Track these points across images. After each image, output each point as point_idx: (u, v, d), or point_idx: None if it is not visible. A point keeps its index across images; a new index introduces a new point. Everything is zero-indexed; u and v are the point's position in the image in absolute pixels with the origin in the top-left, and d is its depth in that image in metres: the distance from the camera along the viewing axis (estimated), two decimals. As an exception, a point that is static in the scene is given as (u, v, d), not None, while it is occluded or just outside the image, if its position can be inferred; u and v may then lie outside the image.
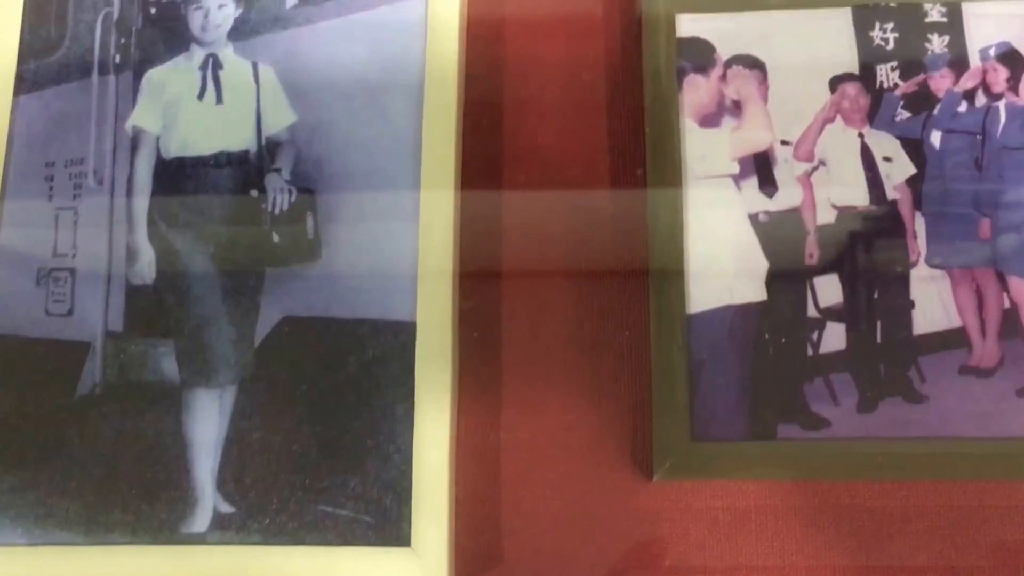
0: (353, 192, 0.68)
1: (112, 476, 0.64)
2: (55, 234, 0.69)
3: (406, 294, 0.65)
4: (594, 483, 0.63)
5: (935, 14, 0.69)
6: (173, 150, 0.70)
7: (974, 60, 0.68)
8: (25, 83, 0.72)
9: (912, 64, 0.68)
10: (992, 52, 0.68)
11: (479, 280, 0.68)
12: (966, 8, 0.68)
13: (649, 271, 0.66)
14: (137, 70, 0.72)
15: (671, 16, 0.70)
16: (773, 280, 0.65)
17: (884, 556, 0.61)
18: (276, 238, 0.68)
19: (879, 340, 0.64)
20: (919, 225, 0.66)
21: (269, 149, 0.69)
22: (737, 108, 0.68)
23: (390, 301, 0.65)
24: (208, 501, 0.63)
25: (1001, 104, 0.67)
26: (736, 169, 0.67)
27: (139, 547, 0.63)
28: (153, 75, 0.71)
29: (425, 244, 0.65)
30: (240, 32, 0.71)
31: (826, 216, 0.66)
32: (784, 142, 0.67)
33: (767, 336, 0.64)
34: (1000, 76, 0.68)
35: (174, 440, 0.64)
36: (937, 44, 0.68)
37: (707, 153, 0.67)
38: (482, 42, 0.72)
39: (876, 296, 0.65)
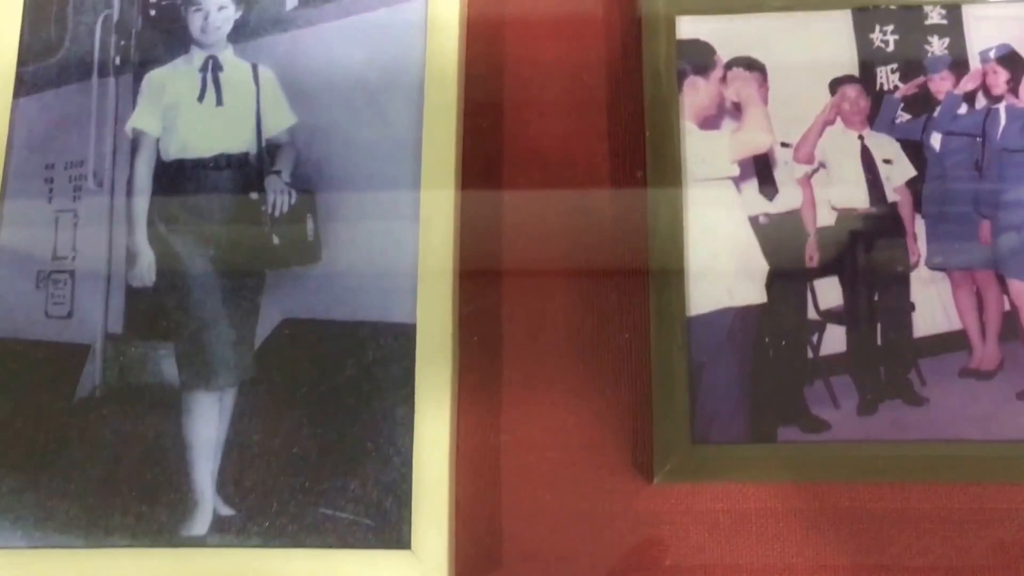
0: (353, 194, 0.68)
1: (112, 479, 0.64)
2: (55, 236, 0.69)
3: (406, 296, 0.65)
4: (594, 485, 0.63)
5: (935, 16, 0.69)
6: (173, 152, 0.70)
7: (974, 62, 0.68)
8: (25, 85, 0.72)
9: (912, 66, 0.68)
10: (992, 54, 0.68)
11: (479, 282, 0.68)
12: (966, 10, 0.68)
13: (649, 273, 0.65)
14: (137, 72, 0.71)
15: (671, 18, 0.70)
16: (773, 282, 0.65)
17: (884, 558, 0.61)
18: (276, 240, 0.67)
19: (879, 342, 0.64)
20: (919, 227, 0.66)
21: (269, 151, 0.69)
22: (737, 110, 0.68)
23: (390, 303, 0.65)
24: (208, 504, 0.63)
25: (1001, 106, 0.67)
26: (736, 171, 0.67)
27: (139, 550, 0.62)
28: (153, 77, 0.71)
29: (425, 245, 0.65)
30: (240, 34, 0.71)
31: (826, 218, 0.66)
32: (784, 144, 0.67)
33: (767, 338, 0.64)
34: (1000, 78, 0.68)
35: (174, 443, 0.64)
36: (937, 46, 0.68)
37: (707, 155, 0.67)
38: (482, 43, 0.72)
39: (876, 298, 0.65)
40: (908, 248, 0.65)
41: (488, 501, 0.64)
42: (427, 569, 0.60)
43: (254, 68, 0.70)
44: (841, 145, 0.67)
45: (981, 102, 0.67)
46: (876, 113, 0.67)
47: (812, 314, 0.65)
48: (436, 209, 0.66)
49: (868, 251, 0.66)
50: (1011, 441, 0.61)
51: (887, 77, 0.68)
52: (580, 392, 0.65)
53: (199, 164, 0.69)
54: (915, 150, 0.67)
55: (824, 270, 0.65)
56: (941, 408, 0.62)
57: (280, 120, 0.69)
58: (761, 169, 0.67)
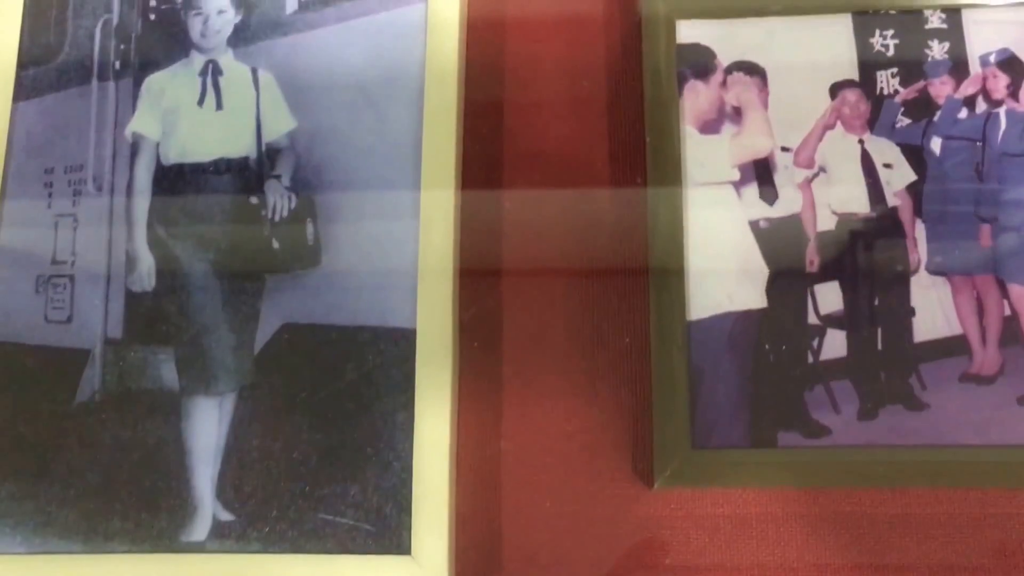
0: (353, 197, 0.67)
1: (111, 484, 0.64)
2: (54, 240, 0.69)
3: (406, 301, 0.65)
4: (594, 491, 0.63)
5: (935, 20, 0.69)
6: (173, 156, 0.70)
7: (974, 66, 0.68)
8: (24, 89, 0.72)
9: (912, 70, 0.68)
10: (992, 58, 0.68)
11: (479, 286, 0.67)
12: (966, 15, 0.68)
13: (649, 277, 0.65)
14: (137, 76, 0.71)
15: (671, 21, 0.70)
16: (773, 287, 0.65)
17: (885, 563, 0.61)
18: (276, 244, 0.67)
19: (880, 347, 0.64)
20: (919, 232, 0.66)
21: (269, 155, 0.69)
22: (737, 114, 0.68)
23: (390, 308, 0.65)
24: (207, 509, 0.63)
25: (1001, 111, 0.67)
26: (736, 175, 0.67)
27: (138, 555, 0.62)
28: (153, 81, 0.71)
29: (425, 247, 0.65)
30: (240, 38, 0.71)
31: (826, 223, 0.66)
32: (784, 148, 0.67)
33: (767, 343, 0.64)
34: (1000, 83, 0.68)
35: (173, 448, 0.64)
36: (937, 51, 0.68)
37: (707, 159, 0.67)
38: (483, 45, 0.72)
39: (876, 303, 0.65)
40: (908, 252, 0.65)
41: (488, 506, 0.64)
42: (427, 574, 0.60)
43: (254, 72, 0.70)
44: (841, 149, 0.67)
45: (981, 106, 0.67)
46: (876, 117, 0.67)
47: (812, 319, 0.65)
48: (436, 211, 0.66)
49: (868, 255, 0.66)
50: (1011, 446, 0.61)
51: (887, 81, 0.68)
52: (580, 397, 0.65)
53: (199, 168, 0.69)
54: (915, 154, 0.67)
55: (824, 274, 0.65)
56: (941, 413, 0.62)
57: (280, 124, 0.69)
58: (761, 173, 0.67)
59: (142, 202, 0.69)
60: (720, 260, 0.66)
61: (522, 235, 0.69)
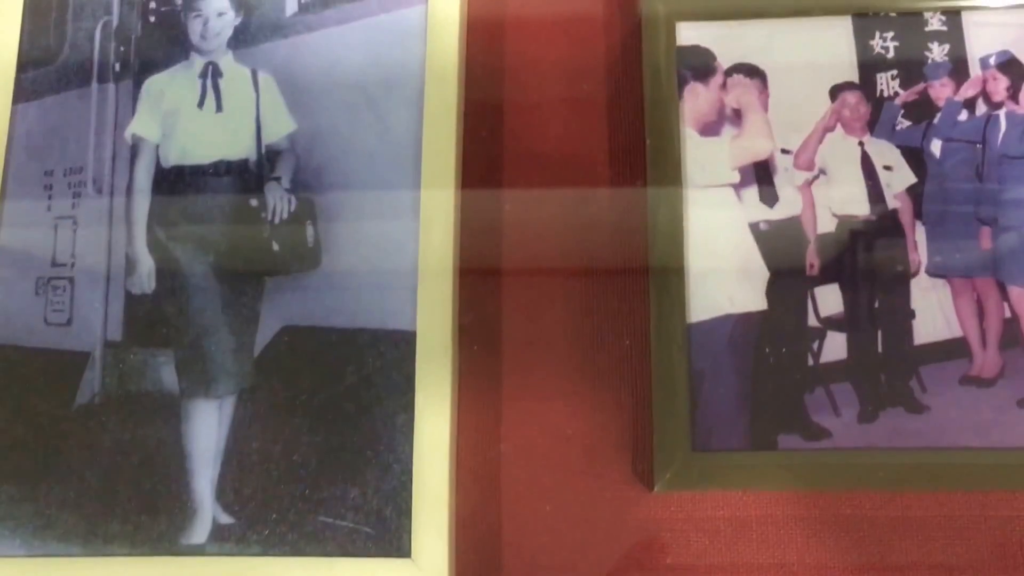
0: (353, 199, 0.67)
1: (111, 487, 0.64)
2: (54, 243, 0.69)
3: (406, 303, 0.65)
4: (595, 494, 0.63)
5: (935, 23, 0.69)
6: (172, 158, 0.70)
7: (974, 69, 0.68)
8: (24, 91, 0.72)
9: (912, 72, 0.68)
10: (992, 61, 0.68)
11: (479, 288, 0.67)
12: (966, 17, 0.68)
13: (650, 279, 0.65)
14: (137, 78, 0.71)
15: (671, 23, 0.70)
16: (773, 289, 0.65)
17: (885, 566, 0.61)
18: (276, 246, 0.67)
19: (880, 350, 0.64)
20: (919, 234, 0.66)
21: (269, 157, 0.69)
22: (737, 117, 0.68)
23: (390, 310, 0.65)
24: (207, 512, 0.63)
25: (1001, 113, 0.67)
26: (736, 178, 0.67)
27: (138, 558, 0.62)
28: (152, 83, 0.71)
29: (425, 252, 0.65)
30: (240, 40, 0.71)
31: (827, 225, 0.66)
32: (784, 151, 0.67)
33: (767, 345, 0.64)
34: (1000, 85, 0.67)
35: (173, 450, 0.64)
36: (937, 53, 0.68)
37: (707, 161, 0.67)
38: (483, 46, 0.72)
39: (877, 305, 0.65)
40: (908, 255, 0.65)
41: (488, 509, 0.64)
42: (427, 577, 0.60)
43: (254, 74, 0.70)
44: (841, 152, 0.67)
45: (981, 108, 0.67)
46: (876, 119, 0.67)
47: (812, 321, 0.65)
48: (436, 213, 0.66)
49: (869, 258, 0.66)
50: (1012, 449, 0.61)
51: (887, 83, 0.68)
52: (580, 399, 0.65)
53: (199, 170, 0.69)
54: (915, 157, 0.67)
55: (824, 277, 0.65)
56: (942, 416, 0.62)
57: (280, 126, 0.69)
58: (761, 175, 0.67)
59: (142, 204, 0.69)
60: (720, 262, 0.66)
61: (522, 237, 0.69)
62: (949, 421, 0.62)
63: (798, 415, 0.63)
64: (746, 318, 0.65)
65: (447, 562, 0.60)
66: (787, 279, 0.65)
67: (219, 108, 0.70)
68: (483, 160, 0.70)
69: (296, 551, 0.62)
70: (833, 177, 0.67)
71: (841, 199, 0.67)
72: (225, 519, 0.63)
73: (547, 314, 0.67)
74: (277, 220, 0.68)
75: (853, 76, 0.68)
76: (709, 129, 0.68)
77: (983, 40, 0.68)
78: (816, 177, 0.67)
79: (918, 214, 0.66)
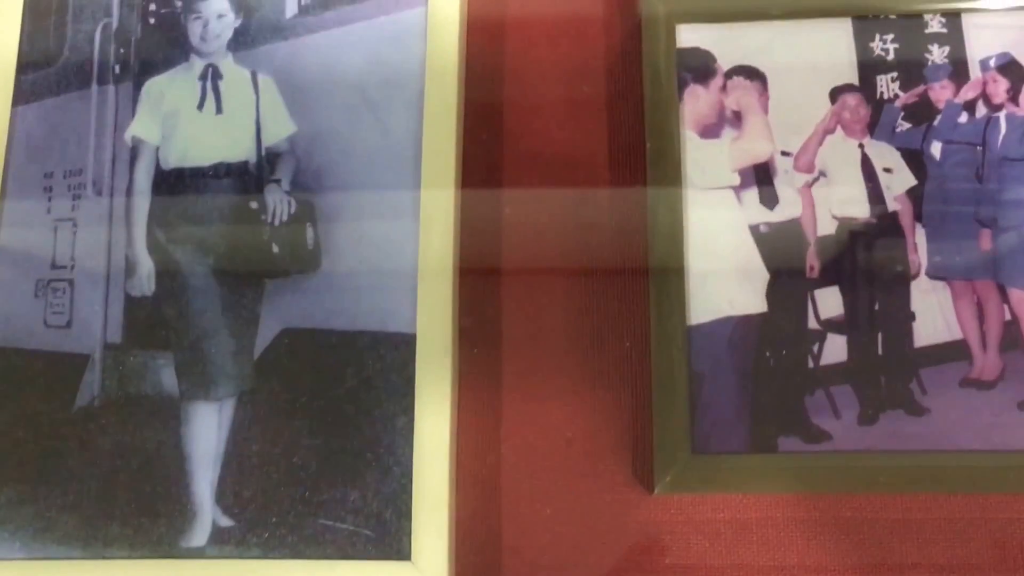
0: (353, 201, 0.67)
1: (111, 489, 0.64)
2: (54, 245, 0.69)
3: (406, 305, 0.65)
4: (595, 496, 0.63)
5: (935, 25, 0.69)
6: (172, 160, 0.70)
7: (974, 71, 0.68)
8: (24, 93, 0.72)
9: (912, 75, 0.68)
10: (992, 63, 0.68)
11: (479, 291, 0.67)
12: (966, 19, 0.68)
13: (650, 281, 0.65)
14: (136, 80, 0.71)
15: (671, 25, 0.70)
16: (774, 291, 0.65)
17: (885, 568, 0.61)
18: (276, 249, 0.67)
19: (880, 352, 0.64)
20: (920, 236, 0.66)
21: (269, 159, 0.69)
22: (737, 119, 0.68)
23: (390, 312, 0.65)
24: (207, 515, 0.63)
25: (1001, 115, 0.67)
26: (736, 180, 0.67)
27: (138, 561, 0.62)
28: (152, 85, 0.71)
29: (425, 254, 0.65)
30: (239, 42, 0.71)
31: (827, 227, 0.66)
32: (785, 153, 0.67)
33: (768, 348, 0.64)
34: (1000, 87, 0.67)
35: (173, 453, 0.64)
36: (937, 55, 0.68)
37: (707, 164, 0.67)
38: (483, 49, 0.72)
39: (877, 308, 0.65)
40: (908, 257, 0.65)
41: (488, 511, 0.64)
42: (427, 580, 0.60)
43: (254, 76, 0.70)
44: (841, 154, 0.67)
45: (981, 111, 0.67)
46: (876, 122, 0.67)
47: (813, 323, 0.65)
48: (436, 215, 0.66)
49: (869, 260, 0.66)
50: (1012, 451, 0.61)
51: (887, 86, 0.68)
52: (580, 401, 0.65)
53: (198, 172, 0.69)
54: (915, 159, 0.67)
55: (825, 279, 0.65)
56: (942, 418, 0.62)
57: (280, 128, 0.69)
58: (761, 178, 0.67)
59: (142, 206, 0.69)
60: (720, 264, 0.66)
61: (522, 240, 0.69)
62: (949, 423, 0.62)
63: (798, 417, 0.63)
64: (746, 320, 0.65)
65: (447, 564, 0.60)
66: (787, 281, 0.65)
67: (219, 110, 0.70)
68: (483, 161, 0.70)
69: (296, 554, 0.62)
70: (833, 179, 0.67)
71: (841, 201, 0.67)
72: (225, 522, 0.63)
73: (547, 316, 0.67)
74: (277, 222, 0.68)
75: (853, 78, 0.68)
76: (709, 131, 0.68)
77: (983, 42, 0.68)
78: (816, 179, 0.67)
79: (918, 216, 0.66)
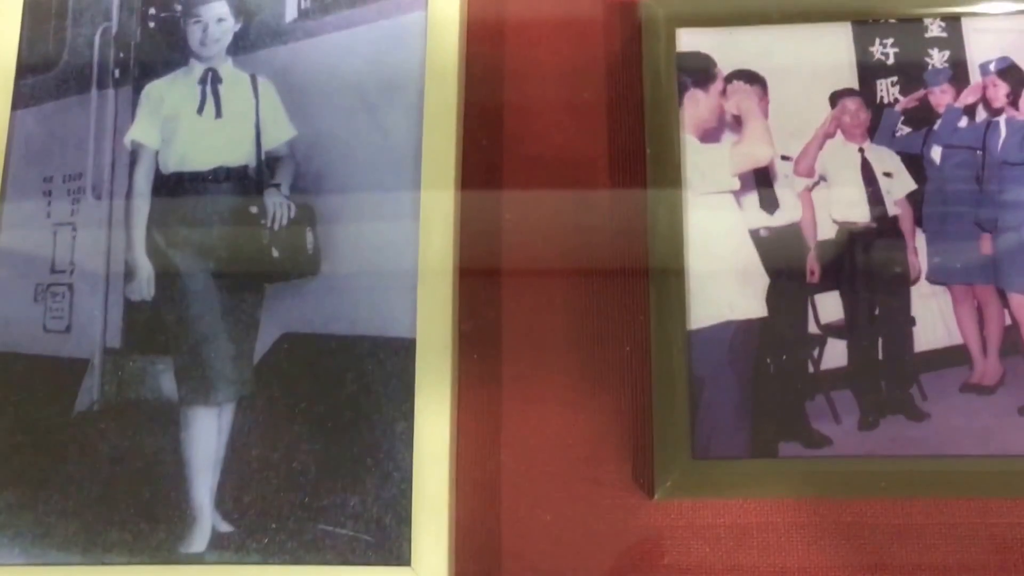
0: (352, 205, 0.67)
1: (110, 494, 0.64)
2: (53, 249, 0.69)
3: (406, 311, 0.64)
4: (595, 502, 0.63)
5: (935, 29, 0.69)
6: (172, 165, 0.69)
7: (974, 75, 0.68)
8: (23, 97, 0.72)
9: (912, 79, 0.68)
10: (992, 67, 0.68)
11: (479, 295, 0.67)
12: (966, 23, 0.68)
13: (650, 286, 0.65)
14: (136, 84, 0.71)
15: (671, 29, 0.70)
16: (774, 296, 0.65)
17: (886, 573, 0.61)
18: (275, 253, 0.67)
19: (880, 357, 0.64)
20: (920, 241, 0.65)
21: (268, 164, 0.69)
22: (737, 123, 0.68)
23: (390, 317, 0.65)
24: (206, 520, 0.63)
25: (1001, 119, 0.67)
26: (737, 184, 0.67)
27: (137, 566, 0.62)
28: (152, 89, 0.71)
29: (425, 259, 0.65)
30: (239, 46, 0.71)
31: (827, 232, 0.66)
32: (785, 157, 0.67)
33: (768, 353, 0.64)
34: (1000, 91, 0.67)
35: (172, 458, 0.64)
36: (937, 59, 0.68)
37: (707, 168, 0.67)
38: (483, 52, 0.72)
39: (877, 313, 0.65)
40: (909, 262, 0.65)
41: (488, 517, 0.64)
42: (427, 585, 0.60)
43: (253, 80, 0.70)
44: (841, 158, 0.67)
45: (981, 115, 0.67)
46: (876, 126, 0.67)
47: (813, 328, 0.65)
48: (436, 219, 0.66)
49: (869, 265, 0.66)
50: (1012, 456, 0.61)
51: (887, 90, 0.68)
52: (580, 407, 0.65)
53: (198, 177, 0.69)
54: (915, 163, 0.67)
55: (825, 284, 0.65)
56: (942, 423, 0.62)
57: (279, 132, 0.69)
58: (762, 182, 0.67)
59: (141, 210, 0.69)
60: (720, 269, 0.66)
61: (522, 244, 0.69)
62: (950, 429, 0.62)
63: (799, 423, 0.63)
64: (746, 325, 0.65)
65: (447, 570, 0.60)
66: (787, 286, 0.65)
67: (219, 114, 0.70)
68: (483, 165, 0.70)
69: (296, 559, 0.61)
70: (833, 183, 0.67)
71: (841, 206, 0.67)
72: (224, 527, 0.63)
73: (547, 320, 0.67)
74: (277, 227, 0.68)
75: (853, 82, 0.68)
76: (709, 135, 0.68)
77: (983, 46, 0.68)
78: (816, 183, 0.67)
79: (918, 221, 0.66)
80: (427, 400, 0.63)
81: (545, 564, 0.63)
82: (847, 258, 0.66)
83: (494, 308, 0.67)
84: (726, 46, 0.69)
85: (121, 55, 0.72)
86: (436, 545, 0.60)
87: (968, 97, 0.68)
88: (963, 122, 0.67)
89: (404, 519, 0.61)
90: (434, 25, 0.69)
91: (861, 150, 0.67)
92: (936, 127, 0.67)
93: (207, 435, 0.64)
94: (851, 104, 0.68)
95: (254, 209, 0.68)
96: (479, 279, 0.68)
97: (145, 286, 0.67)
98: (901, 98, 0.68)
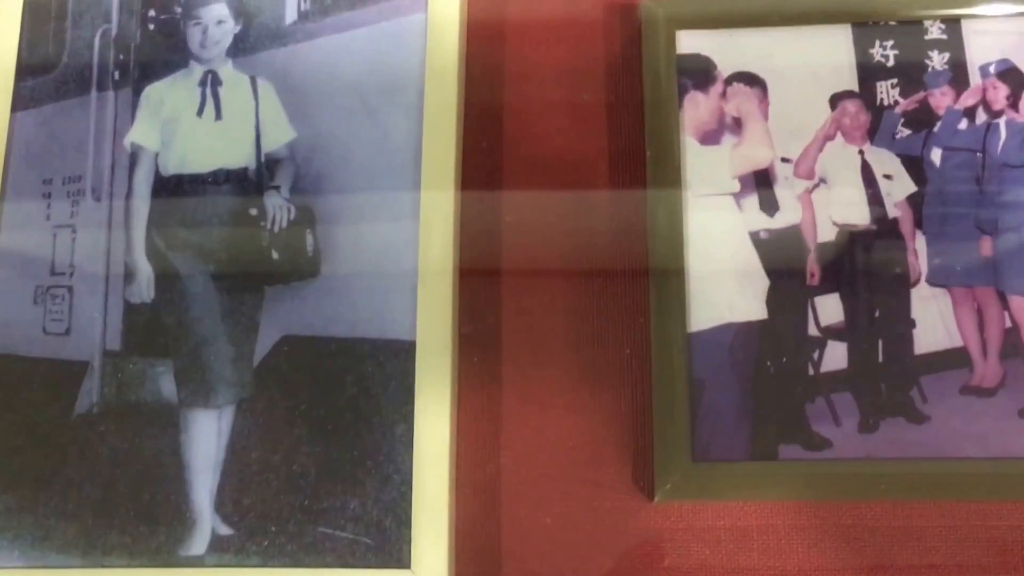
0: (352, 207, 0.67)
1: (110, 497, 0.64)
2: (52, 251, 0.69)
3: (406, 313, 0.64)
4: (595, 504, 0.63)
5: (935, 31, 0.69)
6: (172, 167, 0.69)
7: (974, 77, 0.68)
8: (23, 99, 0.72)
9: (912, 81, 0.68)
10: (992, 69, 0.68)
11: (479, 297, 0.67)
12: (966, 25, 0.68)
13: (650, 288, 0.65)
14: (136, 86, 0.71)
15: (671, 31, 0.70)
16: (774, 298, 0.65)
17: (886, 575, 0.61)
18: (275, 255, 0.67)
19: (880, 359, 0.64)
20: (920, 243, 0.65)
21: (268, 166, 0.69)
22: (737, 125, 0.68)
23: (389, 319, 0.65)
24: (206, 523, 0.63)
25: (1001, 121, 0.67)
26: (736, 186, 0.67)
27: (137, 569, 0.62)
28: (152, 91, 0.71)
29: (425, 261, 0.65)
30: (239, 48, 0.71)
31: (827, 234, 0.66)
32: (785, 159, 0.67)
33: (768, 355, 0.64)
34: (1000, 93, 0.67)
35: (172, 461, 0.64)
36: (937, 61, 0.68)
37: (707, 170, 0.67)
38: (482, 54, 0.72)
39: (877, 315, 0.65)
40: (909, 264, 0.65)
41: (488, 519, 0.63)
42: (427, 588, 0.60)
43: (253, 82, 0.70)
44: (841, 160, 0.67)
45: (981, 117, 0.67)
46: (876, 128, 0.67)
47: (813, 330, 0.65)
48: (436, 222, 0.66)
49: (869, 267, 0.66)
50: (1013, 458, 0.61)
51: (887, 92, 0.68)
52: (580, 409, 0.65)
53: (198, 179, 0.69)
54: (915, 165, 0.67)
55: (825, 286, 0.65)
56: (942, 426, 0.62)
57: (279, 134, 0.69)
58: (762, 184, 0.67)
59: (141, 212, 0.69)
60: (720, 271, 0.65)
61: (522, 246, 0.69)
62: (950, 431, 0.62)
63: (799, 425, 0.63)
64: (746, 327, 0.64)
65: (447, 573, 0.60)
66: (787, 288, 0.65)
67: (218, 116, 0.70)
68: (483, 166, 0.70)
69: (295, 562, 0.61)
70: (833, 186, 0.67)
71: (841, 208, 0.67)
72: (224, 530, 0.63)
73: (547, 322, 0.67)
74: (276, 229, 0.67)
75: (853, 84, 0.68)
76: (709, 138, 0.68)
77: (983, 48, 0.68)
78: (816, 186, 0.67)
79: (918, 223, 0.66)
80: (427, 402, 0.63)
81: (545, 567, 0.63)
82: (847, 260, 0.66)
83: (494, 310, 0.67)
84: (726, 48, 0.69)
85: (121, 57, 0.72)
86: (436, 548, 0.60)
87: (968, 99, 0.68)
88: (963, 124, 0.67)
89: (404, 522, 0.61)
90: (434, 26, 0.69)
91: (861, 152, 0.67)
92: (936, 129, 0.67)
93: (207, 438, 0.64)
94: (851, 106, 0.68)
95: (254, 211, 0.68)
96: (479, 280, 0.68)
97: (145, 288, 0.67)
98: (901, 100, 0.68)
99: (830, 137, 0.68)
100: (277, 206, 0.68)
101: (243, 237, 0.68)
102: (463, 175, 0.68)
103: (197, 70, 0.71)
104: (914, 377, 0.63)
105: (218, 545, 0.62)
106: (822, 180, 0.67)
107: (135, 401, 0.65)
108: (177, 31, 0.72)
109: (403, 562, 0.61)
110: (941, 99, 0.68)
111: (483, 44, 0.72)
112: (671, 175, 0.67)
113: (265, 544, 0.62)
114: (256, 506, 0.63)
